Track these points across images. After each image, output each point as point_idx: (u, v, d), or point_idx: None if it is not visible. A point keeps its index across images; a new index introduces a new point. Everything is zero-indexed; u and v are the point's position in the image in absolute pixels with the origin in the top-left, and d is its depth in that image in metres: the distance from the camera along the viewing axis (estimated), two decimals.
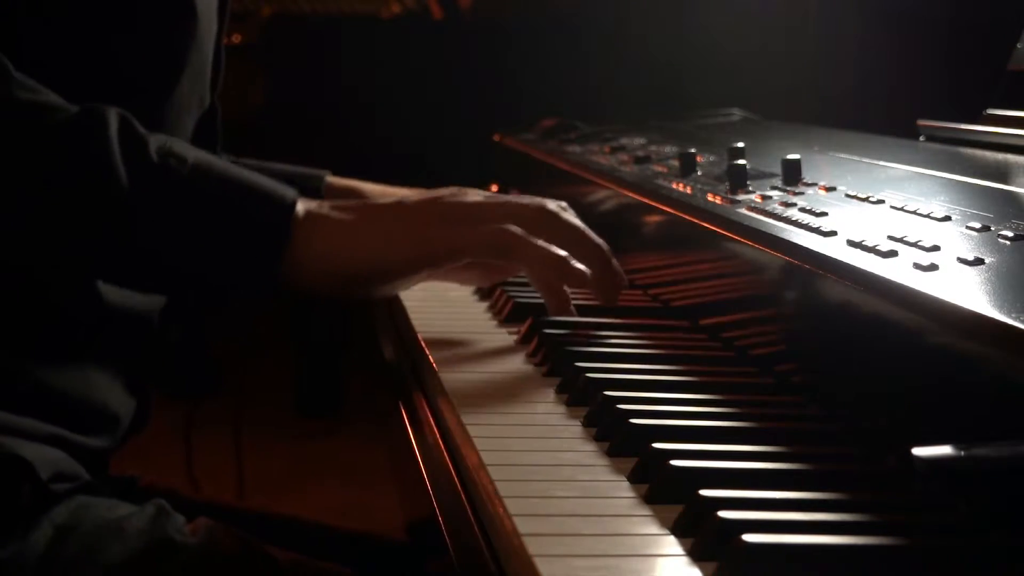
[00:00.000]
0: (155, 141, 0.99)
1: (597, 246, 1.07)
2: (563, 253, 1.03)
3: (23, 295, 1.07)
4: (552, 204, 1.07)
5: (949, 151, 1.22)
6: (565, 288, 1.05)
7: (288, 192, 1.01)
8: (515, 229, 1.02)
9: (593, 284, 1.06)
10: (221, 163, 1.02)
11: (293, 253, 0.99)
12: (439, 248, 1.03)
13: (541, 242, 1.03)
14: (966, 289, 0.71)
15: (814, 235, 0.89)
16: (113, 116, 0.98)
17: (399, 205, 1.05)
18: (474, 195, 1.07)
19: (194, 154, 1.00)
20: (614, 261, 1.08)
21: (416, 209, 1.05)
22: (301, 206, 1.01)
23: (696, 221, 1.09)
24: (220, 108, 1.25)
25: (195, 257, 0.99)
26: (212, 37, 1.19)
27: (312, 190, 1.32)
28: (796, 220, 0.94)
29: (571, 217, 1.08)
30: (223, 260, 0.99)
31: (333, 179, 1.43)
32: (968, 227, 0.83)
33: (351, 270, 1.02)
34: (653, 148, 1.47)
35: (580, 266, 1.04)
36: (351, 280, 1.02)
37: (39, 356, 1.08)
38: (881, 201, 0.96)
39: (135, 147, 0.97)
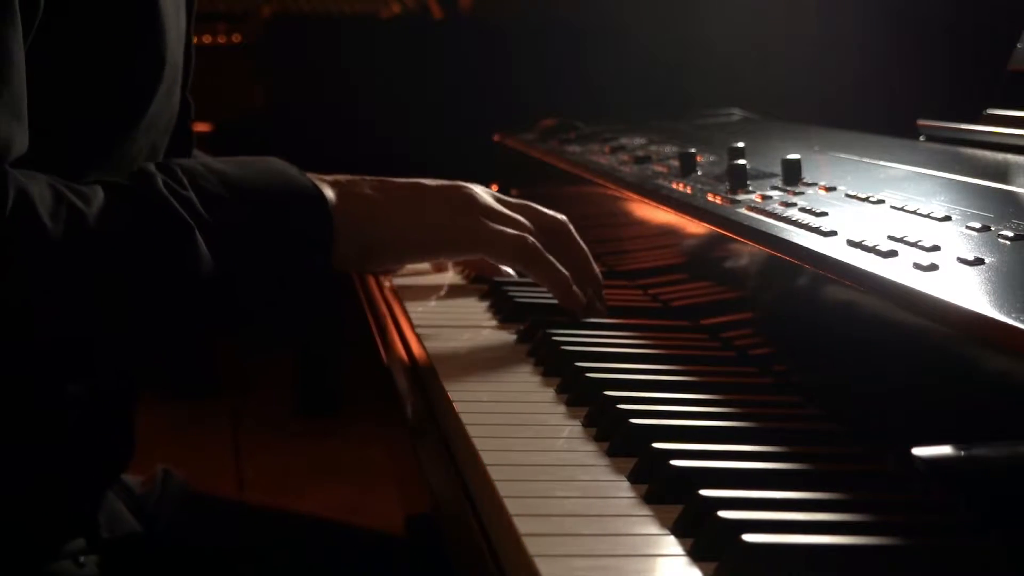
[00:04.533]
0: (190, 186, 0.95)
1: (596, 276, 1.14)
2: (567, 278, 1.09)
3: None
4: (569, 223, 1.12)
5: (949, 151, 1.22)
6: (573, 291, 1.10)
7: (306, 182, 1.00)
8: (534, 242, 1.07)
9: (583, 309, 1.11)
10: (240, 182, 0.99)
11: (336, 238, 1.00)
12: (463, 238, 1.07)
13: (555, 261, 1.08)
14: (966, 289, 0.71)
15: (814, 235, 0.89)
16: (160, 184, 0.93)
17: (427, 188, 1.07)
18: (483, 192, 1.10)
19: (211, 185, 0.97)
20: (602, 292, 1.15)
21: (441, 195, 1.07)
22: (329, 191, 1.01)
23: (696, 221, 1.09)
24: (192, 104, 1.17)
25: (257, 277, 0.97)
26: (180, 43, 1.09)
27: None
28: (796, 220, 0.94)
29: (580, 241, 1.13)
30: (281, 266, 0.98)
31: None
32: (968, 227, 0.83)
33: (379, 244, 1.04)
34: (653, 148, 1.47)
35: (578, 296, 1.09)
36: (376, 253, 1.05)
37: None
38: (881, 201, 0.96)
39: (191, 208, 0.93)
